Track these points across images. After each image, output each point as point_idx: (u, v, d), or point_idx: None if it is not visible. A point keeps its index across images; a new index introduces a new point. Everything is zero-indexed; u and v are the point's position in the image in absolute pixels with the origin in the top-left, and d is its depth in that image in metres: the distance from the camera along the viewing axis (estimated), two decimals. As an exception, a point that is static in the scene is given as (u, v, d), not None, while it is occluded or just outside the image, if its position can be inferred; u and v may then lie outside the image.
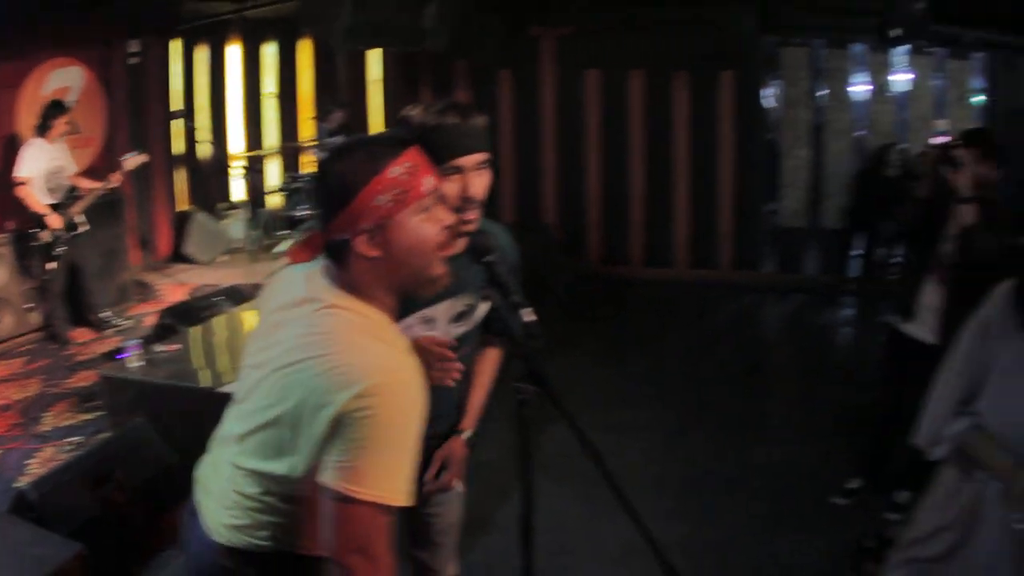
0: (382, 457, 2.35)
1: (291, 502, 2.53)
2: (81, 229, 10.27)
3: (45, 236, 9.90)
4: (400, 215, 2.45)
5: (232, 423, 2.73)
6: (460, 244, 3.11)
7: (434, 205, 2.55)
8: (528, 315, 2.89)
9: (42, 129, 9.99)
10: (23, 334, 10.45)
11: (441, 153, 2.92)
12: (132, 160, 10.41)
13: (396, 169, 2.45)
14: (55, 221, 9.89)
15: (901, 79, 13.28)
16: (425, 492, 3.65)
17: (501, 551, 5.41)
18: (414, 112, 3.05)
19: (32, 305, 10.51)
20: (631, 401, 8.63)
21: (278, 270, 2.85)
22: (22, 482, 6.59)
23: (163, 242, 13.39)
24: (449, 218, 2.64)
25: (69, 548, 3.89)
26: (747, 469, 7.20)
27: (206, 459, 2.89)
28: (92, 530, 4.86)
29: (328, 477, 2.34)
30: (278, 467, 2.48)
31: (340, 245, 2.49)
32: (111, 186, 10.43)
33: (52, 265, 10.03)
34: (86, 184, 10.41)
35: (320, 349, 2.40)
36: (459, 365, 3.11)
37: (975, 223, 5.52)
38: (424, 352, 2.93)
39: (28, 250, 10.09)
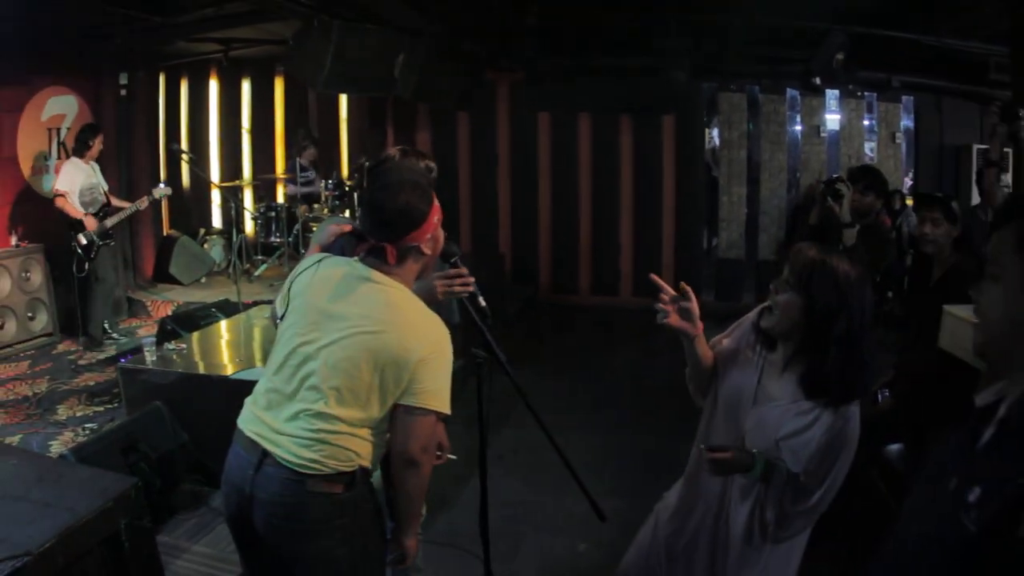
0: (443, 382, 3.61)
1: (364, 430, 3.63)
2: (111, 240, 11.23)
3: (81, 240, 10.80)
4: (439, 228, 3.78)
5: (292, 382, 3.65)
6: None
7: None
8: (482, 300, 4.13)
9: (79, 150, 10.99)
10: (26, 340, 11.32)
11: None
12: (159, 191, 11.36)
13: (436, 201, 3.75)
14: (92, 223, 10.83)
15: (832, 120, 14.21)
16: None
17: (461, 523, 6.44)
18: (387, 152, 4.48)
19: (32, 314, 11.41)
20: (576, 406, 9.45)
21: (311, 261, 3.87)
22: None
23: (148, 263, 14.05)
24: None
25: (126, 481, 4.51)
26: (681, 459, 8.11)
27: (257, 419, 3.71)
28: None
29: (411, 400, 3.56)
30: (357, 408, 3.58)
31: (411, 249, 3.70)
32: (141, 207, 11.39)
33: (87, 267, 10.93)
34: (117, 202, 11.34)
35: (396, 318, 3.61)
36: (471, 278, 4.16)
37: (854, 244, 6.61)
38: (443, 281, 4.11)
39: (66, 255, 10.99)
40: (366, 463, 3.67)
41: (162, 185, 11.50)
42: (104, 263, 11.24)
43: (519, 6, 11.78)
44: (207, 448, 6.82)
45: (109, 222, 11.05)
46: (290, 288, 3.85)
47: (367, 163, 13.06)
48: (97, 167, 11.25)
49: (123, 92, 13.51)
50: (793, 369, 3.73)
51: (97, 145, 11.07)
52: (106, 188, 11.35)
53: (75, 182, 10.84)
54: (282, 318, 3.83)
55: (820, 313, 3.54)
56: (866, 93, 14.00)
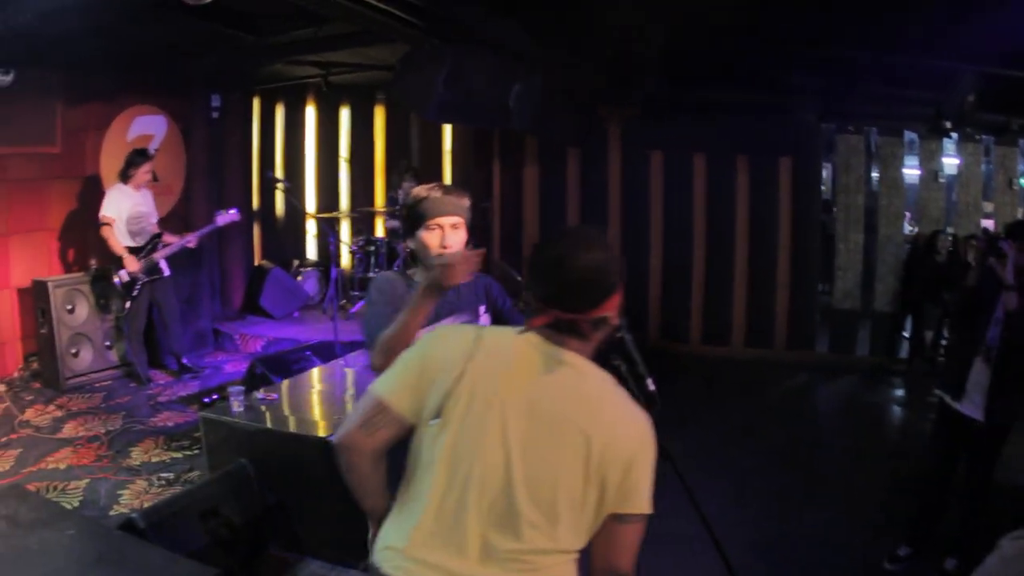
0: (651, 479, 2.87)
1: (575, 554, 2.91)
2: (161, 275, 10.62)
3: (123, 276, 10.24)
4: None
5: (474, 509, 2.81)
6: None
7: None
8: (651, 384, 3.45)
9: (125, 175, 10.37)
10: (102, 370, 10.78)
11: (426, 214, 4.19)
12: (225, 217, 10.71)
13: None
14: (132, 264, 10.23)
15: (950, 164, 13.59)
16: None
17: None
18: (417, 188, 4.26)
19: (110, 343, 10.88)
20: (687, 468, 8.71)
21: (464, 336, 3.05)
22: (116, 511, 6.93)
23: (237, 294, 13.60)
24: None
25: (205, 573, 3.95)
26: (800, 535, 7.37)
27: (429, 569, 2.85)
28: (199, 561, 4.96)
29: (627, 507, 2.81)
30: (573, 532, 2.84)
31: (602, 321, 2.90)
32: (191, 244, 10.74)
33: (128, 305, 10.36)
34: (169, 237, 10.67)
35: (608, 415, 2.85)
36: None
37: (1018, 308, 5.94)
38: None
39: (106, 289, 10.50)
40: None
41: (230, 210, 10.86)
42: (165, 296, 10.80)
43: (642, 34, 11.12)
44: (297, 511, 6.15)
45: (158, 255, 10.48)
46: (457, 381, 2.90)
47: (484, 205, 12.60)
48: (149, 195, 10.72)
49: (215, 114, 13.15)
50: None
51: (142, 172, 10.44)
52: (156, 218, 10.79)
53: (121, 209, 10.29)
54: (437, 417, 2.91)
55: None
56: (983, 136, 13.31)
